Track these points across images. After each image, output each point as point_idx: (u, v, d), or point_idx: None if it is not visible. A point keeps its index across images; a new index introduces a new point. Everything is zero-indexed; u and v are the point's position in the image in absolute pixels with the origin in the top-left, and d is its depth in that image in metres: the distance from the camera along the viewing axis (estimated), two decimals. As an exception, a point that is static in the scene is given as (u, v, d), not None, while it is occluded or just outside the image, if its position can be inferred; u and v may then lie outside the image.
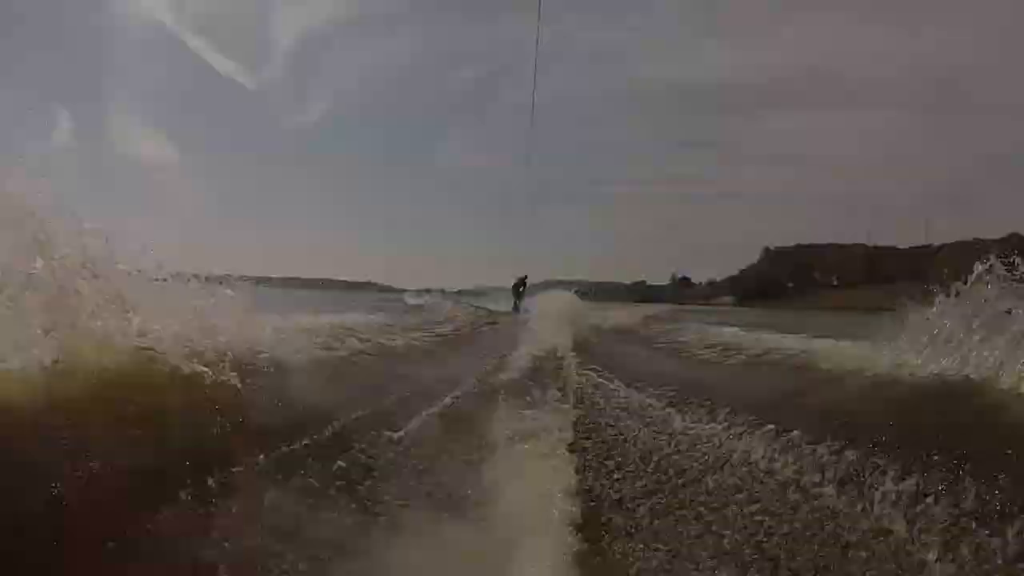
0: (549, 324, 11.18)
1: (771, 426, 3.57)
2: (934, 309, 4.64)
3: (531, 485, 3.23)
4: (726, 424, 3.94)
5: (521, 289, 26.73)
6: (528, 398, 4.95)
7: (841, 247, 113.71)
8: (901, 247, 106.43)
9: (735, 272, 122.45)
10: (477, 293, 56.13)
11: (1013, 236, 77.01)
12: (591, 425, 4.43)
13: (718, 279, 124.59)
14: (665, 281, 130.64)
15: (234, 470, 2.84)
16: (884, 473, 2.78)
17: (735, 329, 11.58)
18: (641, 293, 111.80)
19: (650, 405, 4.93)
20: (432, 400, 4.94)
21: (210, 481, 2.65)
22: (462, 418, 4.59)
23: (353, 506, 2.94)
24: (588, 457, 3.75)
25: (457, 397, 5.24)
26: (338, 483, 3.09)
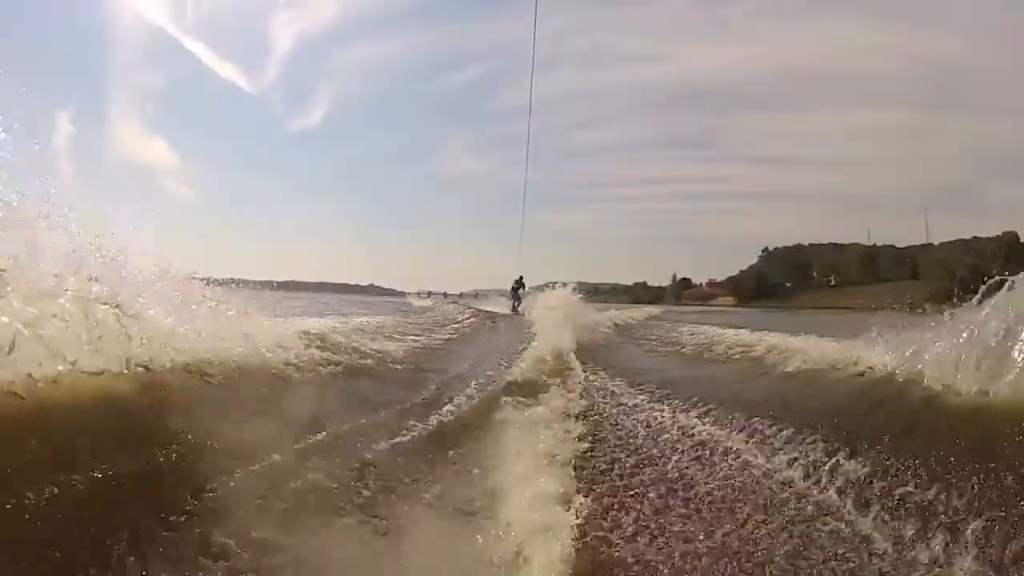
0: (550, 325, 11.26)
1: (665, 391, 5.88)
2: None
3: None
4: (645, 390, 6.11)
5: (519, 290, 26.73)
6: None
7: (839, 246, 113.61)
8: (900, 245, 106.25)
9: (735, 272, 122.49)
10: (476, 295, 56.21)
11: (1007, 234, 77.19)
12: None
13: (718, 279, 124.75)
14: (666, 282, 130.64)
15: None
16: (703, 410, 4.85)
17: (708, 327, 12.58)
18: (641, 294, 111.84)
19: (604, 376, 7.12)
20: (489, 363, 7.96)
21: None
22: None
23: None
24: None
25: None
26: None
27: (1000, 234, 79.18)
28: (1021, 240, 72.40)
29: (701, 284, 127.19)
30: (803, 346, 6.77)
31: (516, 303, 25.60)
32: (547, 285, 24.66)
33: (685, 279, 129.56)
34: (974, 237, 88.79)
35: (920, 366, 4.28)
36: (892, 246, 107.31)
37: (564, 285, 18.32)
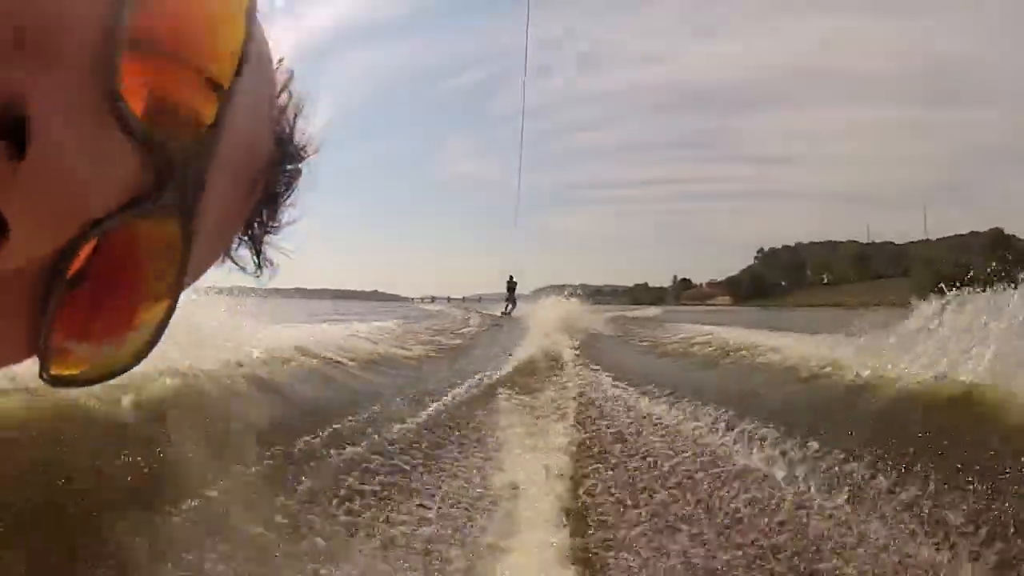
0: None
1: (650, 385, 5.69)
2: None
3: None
4: (613, 375, 6.33)
5: (513, 290, 26.21)
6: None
7: (833, 245, 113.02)
8: (899, 242, 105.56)
9: (736, 271, 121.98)
10: (479, 300, 56.23)
11: (993, 230, 76.65)
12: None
13: (718, 279, 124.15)
14: (666, 283, 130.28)
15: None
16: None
17: (692, 326, 13.11)
18: (642, 295, 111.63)
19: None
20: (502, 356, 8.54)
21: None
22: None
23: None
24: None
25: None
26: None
27: (987, 230, 78.75)
28: (1007, 234, 71.86)
29: (701, 284, 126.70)
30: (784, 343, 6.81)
31: (510, 306, 25.02)
32: (550, 288, 24.50)
33: (685, 280, 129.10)
34: (971, 232, 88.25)
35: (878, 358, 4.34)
36: (891, 243, 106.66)
37: (562, 288, 18.13)
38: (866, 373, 4.27)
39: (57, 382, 0.30)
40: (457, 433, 4.12)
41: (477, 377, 5.94)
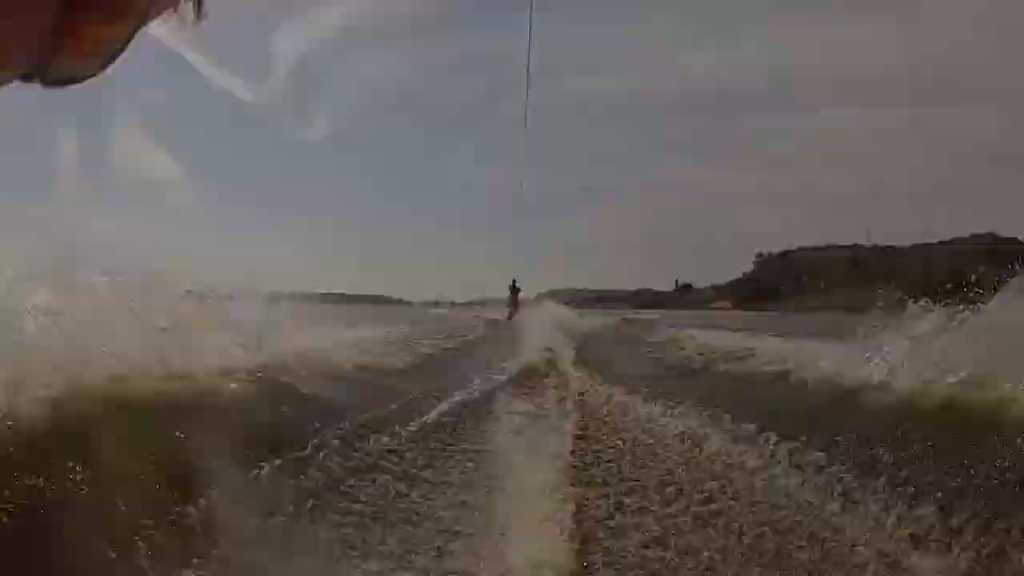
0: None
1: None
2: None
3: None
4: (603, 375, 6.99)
5: (517, 295, 25.86)
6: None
7: (834, 248, 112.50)
8: (902, 245, 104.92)
9: (739, 275, 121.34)
10: (483, 303, 55.89)
11: (987, 234, 76.29)
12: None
13: (720, 283, 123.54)
14: (669, 287, 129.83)
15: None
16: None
17: (685, 328, 14.10)
18: (646, 300, 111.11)
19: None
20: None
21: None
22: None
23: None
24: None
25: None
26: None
27: (983, 233, 78.53)
28: (1004, 236, 71.61)
29: (704, 288, 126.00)
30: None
31: (512, 310, 24.14)
32: (552, 293, 24.36)
33: (687, 284, 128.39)
34: (972, 235, 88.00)
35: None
36: (892, 246, 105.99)
37: (566, 292, 18.05)
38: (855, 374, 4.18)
39: (55, 83, 0.34)
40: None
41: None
